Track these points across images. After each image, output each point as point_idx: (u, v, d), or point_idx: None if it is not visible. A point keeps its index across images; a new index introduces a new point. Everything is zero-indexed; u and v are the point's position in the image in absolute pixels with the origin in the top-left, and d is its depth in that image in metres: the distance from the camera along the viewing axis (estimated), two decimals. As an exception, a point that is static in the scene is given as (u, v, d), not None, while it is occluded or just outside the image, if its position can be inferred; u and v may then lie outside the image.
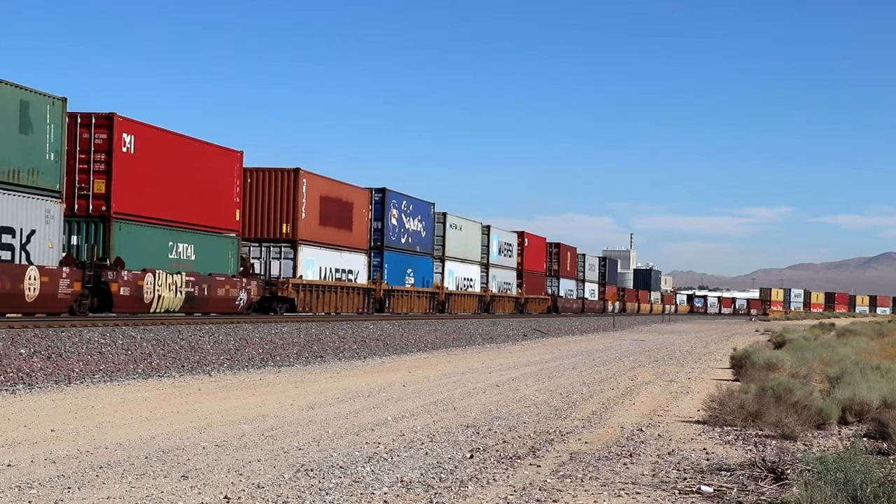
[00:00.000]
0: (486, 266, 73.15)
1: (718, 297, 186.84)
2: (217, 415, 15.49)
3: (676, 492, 9.97)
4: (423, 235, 60.47)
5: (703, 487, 10.05)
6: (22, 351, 21.91)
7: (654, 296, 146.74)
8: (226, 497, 9.29)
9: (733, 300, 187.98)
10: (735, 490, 9.92)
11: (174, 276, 34.70)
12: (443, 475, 10.56)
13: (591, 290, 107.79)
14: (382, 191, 54.22)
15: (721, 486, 10.09)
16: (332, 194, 47.79)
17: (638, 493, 9.88)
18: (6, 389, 18.48)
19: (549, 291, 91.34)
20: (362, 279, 51.33)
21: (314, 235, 45.73)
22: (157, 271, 33.71)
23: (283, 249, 43.90)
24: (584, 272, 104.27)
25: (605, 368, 28.18)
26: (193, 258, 36.38)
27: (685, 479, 10.66)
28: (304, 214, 44.47)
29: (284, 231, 43.92)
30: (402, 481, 10.19)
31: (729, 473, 10.89)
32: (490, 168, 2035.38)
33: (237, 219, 40.03)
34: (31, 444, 12.19)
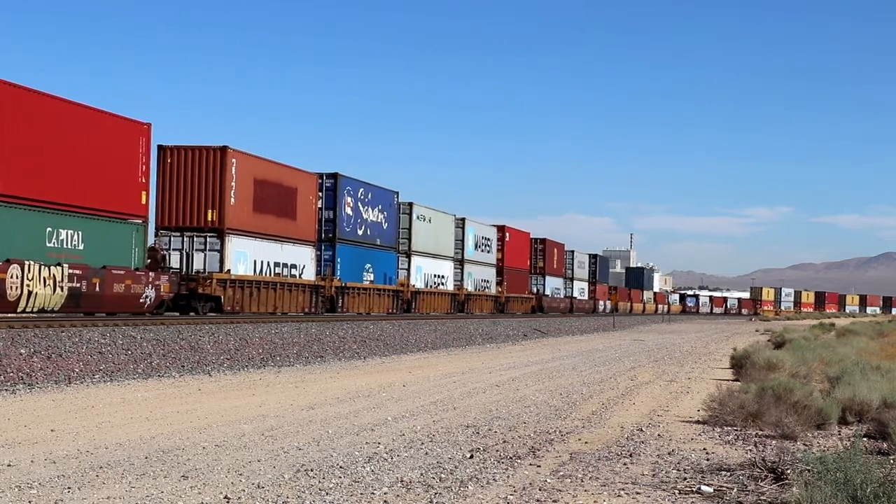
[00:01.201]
0: (460, 262, 67.50)
1: (710, 297, 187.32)
2: (217, 415, 15.49)
3: (676, 492, 9.96)
4: (385, 227, 54.70)
5: (703, 487, 10.04)
6: (22, 351, 21.90)
7: (647, 295, 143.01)
8: (226, 497, 9.29)
9: (725, 300, 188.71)
10: (735, 490, 9.91)
11: (52, 268, 28.65)
12: (443, 475, 10.56)
13: (580, 289, 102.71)
14: (334, 176, 48.32)
15: (721, 486, 10.08)
16: (269, 178, 41.90)
17: (638, 493, 9.88)
18: (6, 389, 18.48)
19: (534, 290, 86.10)
20: (309, 275, 45.54)
21: (246, 224, 40.13)
22: (28, 262, 27.76)
23: (207, 240, 38.34)
24: (572, 270, 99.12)
25: (605, 368, 28.17)
26: (81, 247, 30.30)
27: (685, 479, 10.65)
28: (233, 199, 38.87)
29: (210, 218, 38.40)
30: (402, 481, 10.18)
31: (729, 473, 10.88)
32: (490, 169, 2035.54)
33: (143, 202, 33.57)
34: (31, 444, 12.19)
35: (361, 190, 51.20)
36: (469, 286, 69.13)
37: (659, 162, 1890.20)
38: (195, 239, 38.28)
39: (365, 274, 51.96)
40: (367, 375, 24.13)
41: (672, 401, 19.18)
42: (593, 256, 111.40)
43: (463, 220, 68.28)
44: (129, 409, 16.00)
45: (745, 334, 63.71)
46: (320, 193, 47.48)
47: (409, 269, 58.27)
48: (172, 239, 38.11)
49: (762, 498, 9.58)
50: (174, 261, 37.54)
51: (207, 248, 38.30)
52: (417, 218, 59.53)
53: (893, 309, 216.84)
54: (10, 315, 28.08)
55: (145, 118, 34.46)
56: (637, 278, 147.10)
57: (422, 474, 10.60)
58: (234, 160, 39.04)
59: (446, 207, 68.09)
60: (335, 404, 17.27)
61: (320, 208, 47.51)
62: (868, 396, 15.33)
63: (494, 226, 76.90)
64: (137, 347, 25.20)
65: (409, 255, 58.41)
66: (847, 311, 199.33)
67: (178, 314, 37.03)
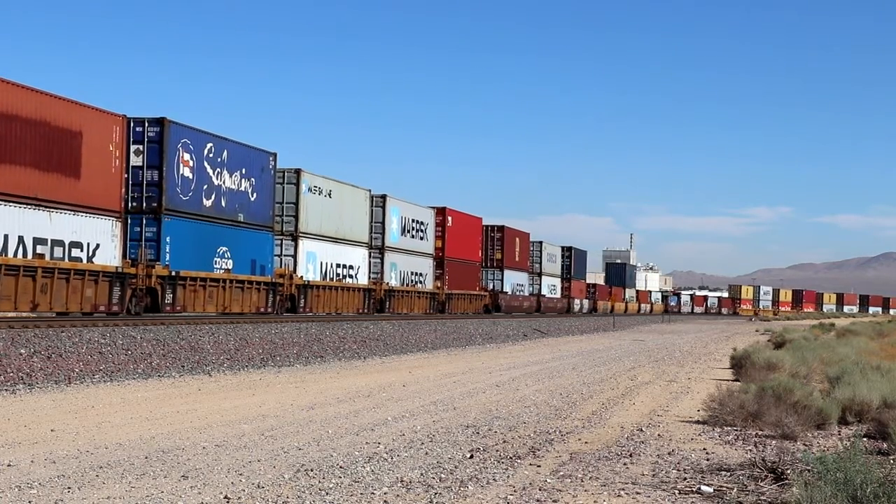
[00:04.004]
0: (379, 250, 54.03)
1: (691, 296, 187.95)
2: (217, 415, 15.49)
3: (676, 492, 9.96)
4: (254, 199, 40.92)
5: (703, 487, 10.04)
6: (22, 351, 21.90)
7: (629, 293, 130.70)
8: (226, 497, 9.29)
9: (705, 298, 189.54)
10: (735, 490, 9.91)
11: None
12: (443, 475, 10.56)
13: (550, 286, 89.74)
14: (160, 122, 34.74)
15: (721, 486, 10.08)
16: (23, 112, 28.43)
17: (638, 493, 9.88)
18: (6, 389, 18.48)
19: (489, 286, 73.63)
20: (108, 258, 32.03)
21: None
22: None
23: None
24: (540, 264, 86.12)
25: (605, 368, 28.18)
26: None
27: (685, 479, 10.65)
28: None
29: None
30: (402, 481, 10.18)
31: (729, 473, 10.88)
32: (490, 169, 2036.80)
33: None
34: (31, 444, 12.19)
35: (210, 146, 37.75)
36: (392, 280, 55.74)
37: (659, 162, 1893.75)
38: None
39: (217, 260, 38.46)
40: (367, 375, 24.14)
41: (672, 401, 19.19)
42: (567, 249, 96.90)
43: (384, 197, 54.40)
44: (129, 409, 16.01)
45: (744, 334, 63.73)
46: (140, 147, 34.54)
47: (295, 256, 45.03)
48: None
49: (762, 498, 9.58)
50: None
51: None
52: (310, 190, 45.95)
53: (871, 308, 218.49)
54: (10, 315, 28.07)
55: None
56: (619, 275, 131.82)
57: (422, 474, 10.60)
58: None
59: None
60: (335, 404, 17.28)
61: (137, 166, 34.50)
62: (868, 396, 15.33)
63: (432, 208, 62.52)
64: (137, 347, 25.20)
65: (295, 238, 45.09)
66: (825, 309, 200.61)
67: None
